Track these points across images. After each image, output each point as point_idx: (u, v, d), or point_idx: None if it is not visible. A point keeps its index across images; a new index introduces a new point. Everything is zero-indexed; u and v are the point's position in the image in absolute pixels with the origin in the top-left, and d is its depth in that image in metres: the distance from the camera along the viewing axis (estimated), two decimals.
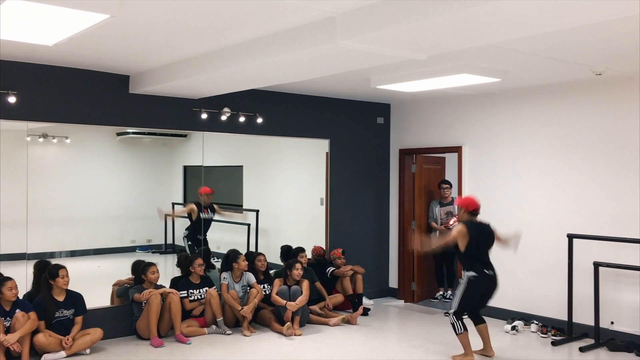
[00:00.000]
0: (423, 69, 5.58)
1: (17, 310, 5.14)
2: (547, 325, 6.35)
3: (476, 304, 5.42)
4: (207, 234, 7.27)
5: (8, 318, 5.11)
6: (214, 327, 6.26)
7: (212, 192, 7.34)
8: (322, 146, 7.79)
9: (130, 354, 5.56)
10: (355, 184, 8.00)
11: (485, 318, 5.55)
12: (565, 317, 6.16)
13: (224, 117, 6.79)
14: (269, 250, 7.31)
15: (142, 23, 4.19)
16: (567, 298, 6.10)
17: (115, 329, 6.00)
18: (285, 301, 6.28)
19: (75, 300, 5.55)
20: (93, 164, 7.25)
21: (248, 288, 6.45)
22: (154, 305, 5.82)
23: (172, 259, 7.36)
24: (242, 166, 8.25)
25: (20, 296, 5.32)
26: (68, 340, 5.35)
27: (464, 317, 5.36)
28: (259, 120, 7.06)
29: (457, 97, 7.39)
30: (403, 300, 8.04)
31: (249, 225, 7.92)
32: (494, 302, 5.62)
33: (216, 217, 7.42)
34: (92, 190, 7.16)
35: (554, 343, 5.92)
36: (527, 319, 6.60)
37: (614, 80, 5.94)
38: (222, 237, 7.72)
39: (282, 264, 7.14)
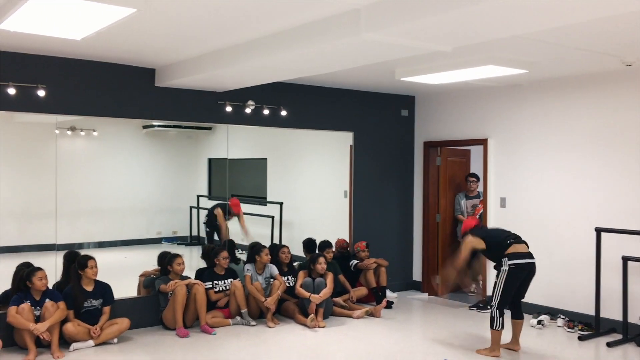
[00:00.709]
0: (448, 60, 5.53)
1: (47, 300, 5.24)
2: (574, 320, 6.28)
3: (519, 291, 5.35)
4: (230, 224, 7.36)
5: (38, 307, 5.22)
6: (238, 318, 6.32)
7: (238, 214, 7.48)
8: (346, 139, 7.78)
9: (157, 344, 5.65)
10: (379, 177, 7.98)
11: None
12: (592, 312, 6.07)
13: (248, 110, 6.82)
14: (293, 242, 7.34)
15: (169, 17, 4.22)
16: (594, 292, 6.01)
17: (141, 319, 6.09)
18: (309, 294, 6.32)
19: (103, 290, 5.65)
20: (120, 156, 7.35)
21: (271, 280, 6.49)
22: (179, 296, 5.89)
23: (197, 251, 7.44)
24: (266, 159, 8.28)
25: (50, 286, 5.43)
26: (96, 329, 5.45)
27: (505, 311, 5.25)
28: (283, 112, 7.08)
29: (482, 89, 7.31)
30: (427, 294, 8.03)
31: (272, 217, 7.96)
32: None
33: (233, 221, 7.50)
34: (119, 183, 7.28)
35: (580, 338, 5.86)
36: (553, 313, 6.53)
37: None
38: (247, 229, 7.77)
39: (305, 256, 7.17)
